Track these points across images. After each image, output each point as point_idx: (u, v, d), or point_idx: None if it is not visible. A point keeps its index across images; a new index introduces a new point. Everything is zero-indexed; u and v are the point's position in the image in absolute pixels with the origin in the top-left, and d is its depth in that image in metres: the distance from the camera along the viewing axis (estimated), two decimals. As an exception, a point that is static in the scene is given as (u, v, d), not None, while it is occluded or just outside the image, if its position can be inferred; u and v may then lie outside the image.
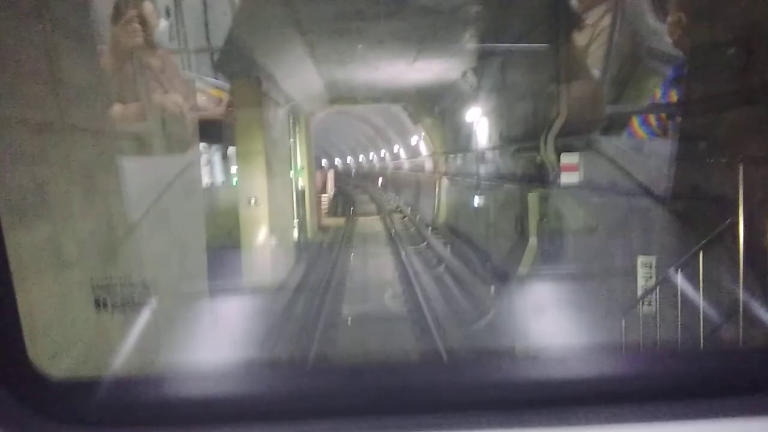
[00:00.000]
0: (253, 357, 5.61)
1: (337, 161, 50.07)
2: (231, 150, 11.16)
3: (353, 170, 50.43)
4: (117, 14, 3.68)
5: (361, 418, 1.11)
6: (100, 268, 2.59)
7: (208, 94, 8.82)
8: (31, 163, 2.28)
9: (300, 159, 16.63)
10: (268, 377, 1.33)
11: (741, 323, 3.10)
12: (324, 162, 45.89)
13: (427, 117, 19.63)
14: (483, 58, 11.66)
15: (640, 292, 4.31)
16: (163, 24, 4.42)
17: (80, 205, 2.58)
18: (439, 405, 1.16)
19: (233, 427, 1.11)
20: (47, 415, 1.13)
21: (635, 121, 4.88)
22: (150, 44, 3.94)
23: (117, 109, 3.56)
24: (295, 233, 14.34)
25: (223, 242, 9.28)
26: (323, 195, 26.94)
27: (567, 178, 6.75)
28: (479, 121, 13.20)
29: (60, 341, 2.17)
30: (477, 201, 13.17)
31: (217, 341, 4.00)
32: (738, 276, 3.18)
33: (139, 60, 3.69)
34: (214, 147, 10.84)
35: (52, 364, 1.88)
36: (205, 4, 8.98)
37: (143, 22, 3.70)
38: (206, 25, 8.90)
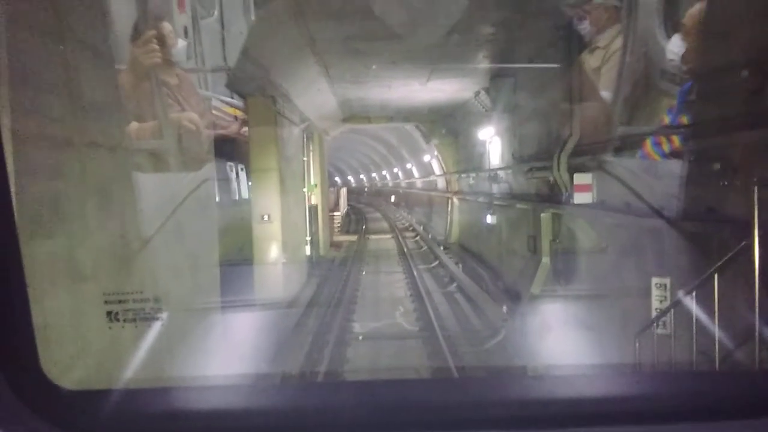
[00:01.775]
0: (263, 372, 5.60)
1: (350, 179, 50.27)
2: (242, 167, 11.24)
3: (366, 188, 50.60)
4: (135, 33, 3.76)
5: (369, 435, 1.11)
6: (114, 282, 2.62)
7: (224, 112, 8.94)
8: (49, 177, 2.32)
9: (313, 176, 16.72)
10: (277, 392, 1.34)
11: (757, 346, 3.06)
12: (337, 179, 46.11)
13: (439, 136, 19.71)
14: (496, 78, 11.73)
15: (654, 314, 4.26)
16: (180, 43, 4.50)
17: (96, 220, 2.62)
18: (447, 422, 1.15)
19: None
20: (59, 425, 1.14)
21: (648, 143, 4.87)
22: (167, 63, 4.01)
23: (134, 126, 3.61)
24: (308, 250, 14.37)
25: (236, 258, 9.33)
26: (336, 212, 26.99)
27: (580, 198, 6.73)
28: (492, 141, 13.22)
29: (73, 353, 2.19)
30: (489, 220, 13.14)
31: (227, 356, 4.01)
32: (753, 298, 3.14)
33: (156, 78, 3.75)
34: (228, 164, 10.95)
35: (64, 376, 1.90)
36: (222, 24, 9.14)
37: (161, 41, 3.77)
38: (223, 44, 9.04)
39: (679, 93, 4.71)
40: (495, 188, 13.03)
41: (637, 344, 4.24)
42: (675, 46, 4.73)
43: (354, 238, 24.60)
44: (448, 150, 19.87)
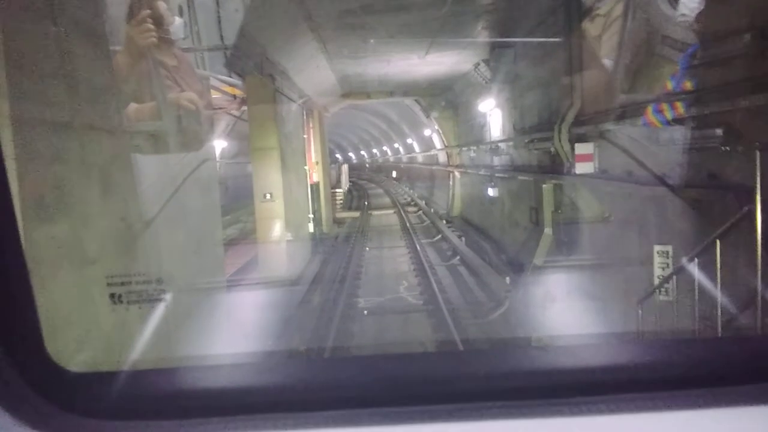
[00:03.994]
0: (269, 349, 5.66)
1: (351, 155, 50.12)
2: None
3: (367, 164, 50.47)
4: (131, 14, 3.71)
5: (372, 409, 1.12)
6: (117, 264, 2.63)
7: (222, 91, 8.88)
8: (49, 161, 2.32)
9: (314, 153, 16.67)
10: (283, 369, 1.35)
11: (759, 311, 3.07)
12: (338, 156, 45.97)
13: (439, 109, 19.59)
14: (496, 49, 11.60)
15: (656, 282, 4.28)
16: (176, 22, 4.44)
17: (98, 203, 2.62)
18: (452, 395, 1.16)
19: (249, 418, 1.12)
20: (66, 408, 1.15)
21: (649, 110, 4.84)
22: (164, 43, 3.96)
23: (132, 107, 3.59)
24: (311, 227, 14.39)
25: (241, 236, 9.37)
26: (338, 189, 26.95)
27: (582, 168, 6.71)
28: (492, 113, 13.13)
29: (79, 336, 2.21)
30: (491, 193, 13.13)
31: (233, 334, 4.05)
32: (755, 264, 3.15)
33: (153, 59, 3.71)
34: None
35: (71, 359, 1.92)
36: (217, 1, 9.02)
37: (157, 21, 3.72)
38: (219, 22, 8.94)
39: (682, 58, 4.66)
40: (496, 161, 12.98)
41: (640, 311, 4.26)
42: (678, 12, 4.67)
43: (357, 214, 24.60)
44: (448, 123, 19.77)
